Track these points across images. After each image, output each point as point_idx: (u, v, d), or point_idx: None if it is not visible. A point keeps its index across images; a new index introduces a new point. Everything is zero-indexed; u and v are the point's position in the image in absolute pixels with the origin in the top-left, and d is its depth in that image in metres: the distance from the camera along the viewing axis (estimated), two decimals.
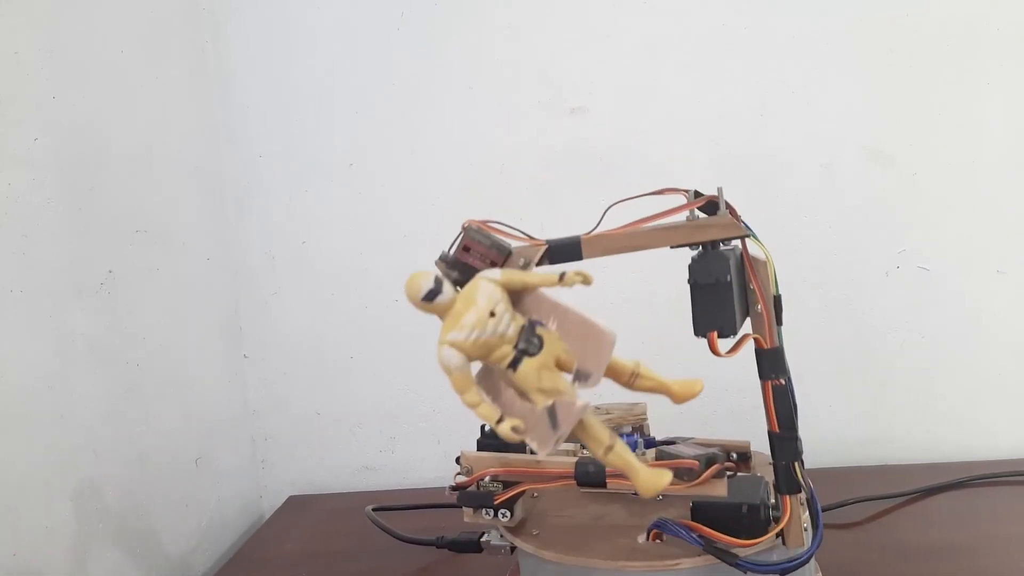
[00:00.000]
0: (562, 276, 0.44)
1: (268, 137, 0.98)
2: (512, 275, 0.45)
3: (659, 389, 0.46)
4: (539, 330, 0.44)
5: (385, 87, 0.96)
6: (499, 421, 0.43)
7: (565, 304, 0.44)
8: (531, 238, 0.52)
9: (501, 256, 0.50)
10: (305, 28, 0.97)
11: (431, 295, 0.43)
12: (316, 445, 1.02)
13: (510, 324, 0.43)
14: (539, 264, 0.51)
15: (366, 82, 0.96)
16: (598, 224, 0.51)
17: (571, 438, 0.45)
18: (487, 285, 0.44)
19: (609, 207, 0.51)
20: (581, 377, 0.43)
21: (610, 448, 0.44)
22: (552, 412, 0.42)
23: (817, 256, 0.94)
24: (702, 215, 0.50)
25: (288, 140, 0.98)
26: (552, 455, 0.52)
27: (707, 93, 0.94)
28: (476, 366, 0.45)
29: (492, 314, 0.43)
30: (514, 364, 0.43)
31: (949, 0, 0.90)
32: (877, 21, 0.91)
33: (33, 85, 0.66)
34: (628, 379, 0.46)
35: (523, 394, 0.43)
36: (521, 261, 0.50)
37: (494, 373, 0.44)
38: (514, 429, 0.43)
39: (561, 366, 0.44)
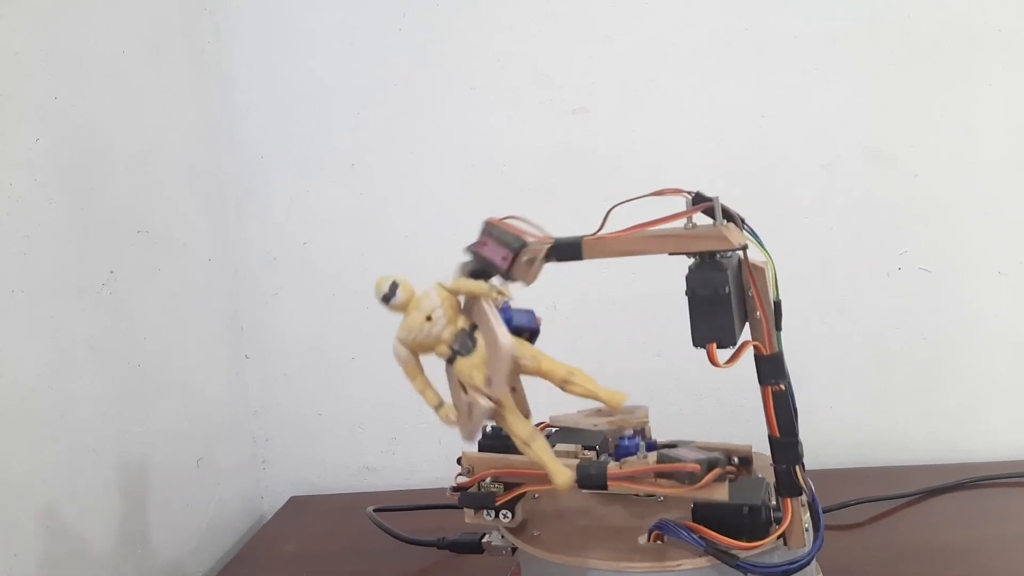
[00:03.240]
0: (491, 289, 0.50)
1: (269, 137, 0.98)
2: (458, 283, 0.51)
3: (589, 396, 0.50)
4: (477, 334, 0.50)
5: (386, 87, 0.96)
6: (438, 407, 0.51)
7: (488, 313, 0.49)
8: (546, 235, 0.53)
9: (511, 252, 0.52)
10: (306, 28, 0.97)
11: (386, 299, 0.49)
12: (317, 445, 1.02)
13: (445, 328, 0.49)
14: (546, 260, 0.52)
15: (367, 82, 0.96)
16: (602, 226, 0.51)
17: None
18: (432, 292, 0.50)
19: (612, 208, 0.52)
20: (488, 382, 0.49)
21: (526, 444, 0.49)
22: (470, 407, 0.49)
23: (818, 257, 0.94)
24: (706, 219, 0.49)
25: (289, 140, 0.98)
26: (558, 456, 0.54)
27: (708, 93, 0.94)
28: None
29: (428, 318, 0.49)
30: (451, 361, 0.50)
31: (949, 1, 0.90)
32: (877, 21, 0.91)
33: (34, 85, 0.66)
34: (560, 384, 0.50)
35: (462, 386, 0.50)
36: (526, 257, 0.52)
37: (435, 354, 0.51)
38: (447, 415, 0.50)
39: None
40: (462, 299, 0.51)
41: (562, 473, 0.49)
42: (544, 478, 0.54)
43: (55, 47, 0.69)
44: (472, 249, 0.54)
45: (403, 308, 0.50)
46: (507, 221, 0.54)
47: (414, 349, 0.50)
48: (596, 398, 0.49)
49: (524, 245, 0.52)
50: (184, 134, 0.91)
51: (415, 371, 0.51)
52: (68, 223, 0.68)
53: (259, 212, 0.99)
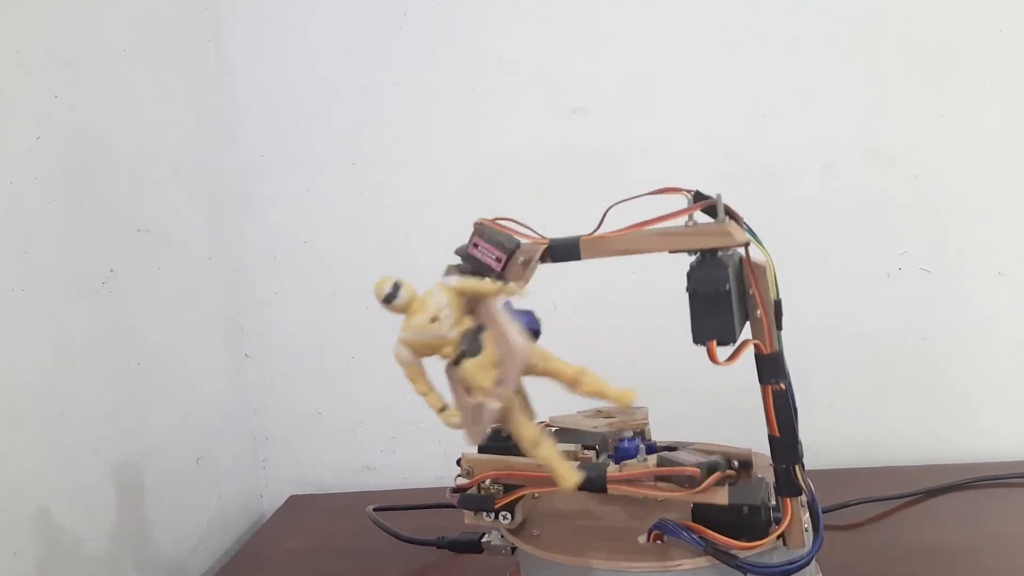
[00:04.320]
0: (501, 288, 0.49)
1: (269, 137, 0.98)
2: (464, 283, 0.49)
3: (598, 395, 0.49)
4: (483, 335, 0.48)
5: (386, 87, 0.96)
6: (441, 410, 0.49)
7: (497, 313, 0.48)
8: (538, 236, 0.53)
9: (504, 253, 0.52)
10: (307, 28, 0.97)
11: (387, 299, 0.48)
12: (317, 445, 1.02)
13: (452, 328, 0.48)
14: (542, 260, 0.52)
15: (368, 82, 0.96)
16: (599, 225, 0.51)
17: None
18: (438, 292, 0.49)
19: (610, 207, 0.51)
20: (499, 382, 0.47)
21: (534, 445, 0.48)
22: (478, 409, 0.47)
23: (818, 257, 0.94)
24: (706, 218, 0.49)
25: (289, 140, 0.98)
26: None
27: (708, 93, 0.94)
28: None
29: (434, 319, 0.48)
30: (457, 362, 0.48)
31: (950, 1, 0.90)
32: (878, 22, 0.91)
33: (34, 85, 0.66)
34: (569, 383, 0.49)
35: (467, 389, 0.48)
36: (522, 258, 0.52)
37: (441, 356, 0.50)
38: (451, 418, 0.49)
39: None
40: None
41: (571, 476, 0.48)
42: (544, 480, 0.54)
43: (55, 47, 0.69)
44: (463, 251, 0.53)
45: (405, 309, 0.49)
46: (498, 222, 0.53)
47: (418, 351, 0.49)
48: (605, 397, 0.48)
49: (519, 245, 0.52)
50: (184, 133, 0.90)
51: (418, 374, 0.50)
52: (68, 222, 0.68)
53: (259, 211, 0.99)
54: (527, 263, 0.51)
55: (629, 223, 0.51)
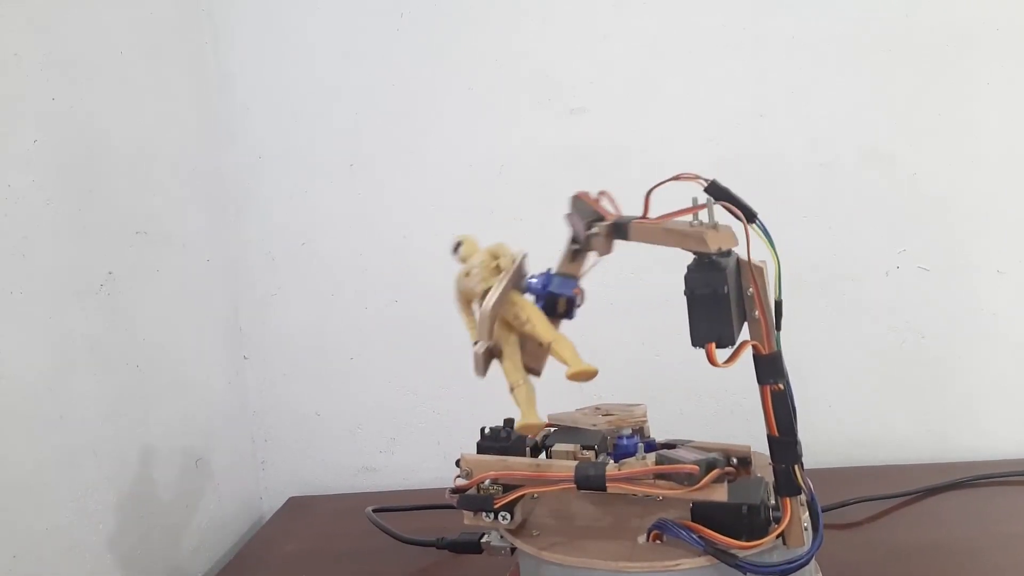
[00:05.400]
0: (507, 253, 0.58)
1: (268, 137, 0.98)
2: (494, 246, 0.58)
3: (562, 362, 0.56)
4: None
5: (385, 87, 0.96)
6: (475, 343, 0.57)
7: (501, 276, 0.57)
8: (618, 214, 0.57)
9: (585, 225, 0.58)
10: (305, 28, 0.97)
11: (454, 249, 0.58)
12: (316, 446, 1.02)
13: (479, 284, 0.57)
14: (608, 236, 0.57)
15: (366, 82, 0.96)
16: (645, 211, 0.55)
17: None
18: (480, 251, 0.58)
19: (650, 191, 0.54)
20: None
21: (514, 386, 0.57)
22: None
23: (817, 256, 0.94)
24: (723, 212, 0.50)
25: (288, 141, 0.98)
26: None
27: (707, 93, 0.94)
28: None
29: (467, 274, 0.58)
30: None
31: (949, 1, 0.90)
32: (877, 21, 0.91)
33: (33, 85, 0.66)
34: (545, 347, 0.56)
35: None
36: (595, 231, 0.57)
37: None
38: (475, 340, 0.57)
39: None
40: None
41: (533, 422, 0.56)
42: (544, 480, 0.54)
43: (55, 47, 0.69)
44: (566, 217, 0.59)
45: (463, 261, 0.58)
46: (589, 195, 0.59)
47: (460, 296, 0.59)
48: (566, 364, 0.55)
49: (597, 219, 0.57)
50: (183, 134, 0.90)
51: (461, 310, 0.59)
52: (67, 224, 0.68)
53: (258, 212, 0.99)
54: (597, 236, 0.57)
55: (637, 213, 0.52)
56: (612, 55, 0.94)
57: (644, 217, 0.55)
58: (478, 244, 0.58)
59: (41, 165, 0.66)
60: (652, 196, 0.54)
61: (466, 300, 0.59)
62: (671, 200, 0.52)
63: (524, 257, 0.58)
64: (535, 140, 0.96)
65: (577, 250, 0.59)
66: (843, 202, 0.93)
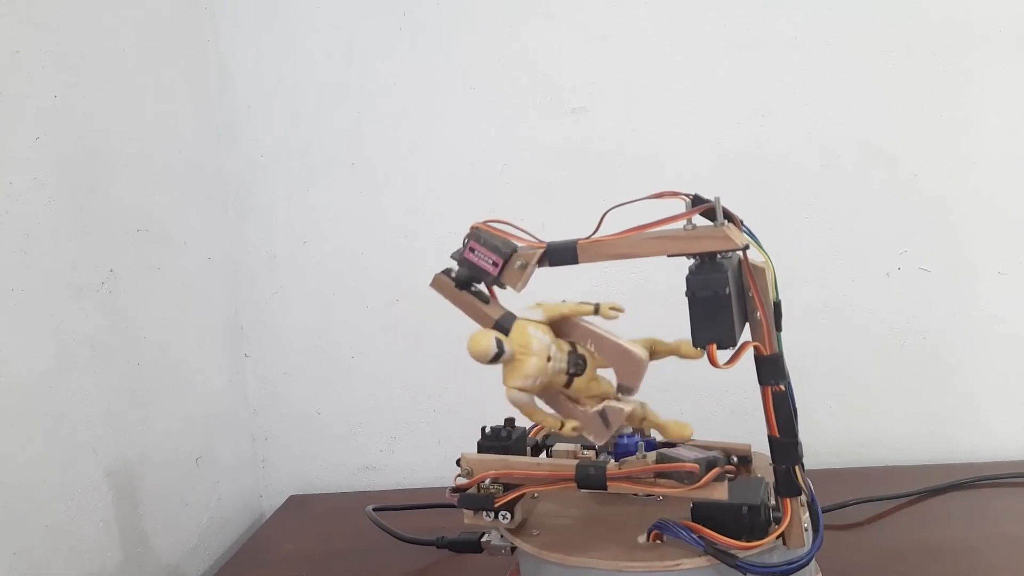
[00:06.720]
0: (597, 308, 0.52)
1: (269, 136, 0.98)
2: (552, 311, 0.52)
3: (657, 428, 0.55)
4: (580, 349, 0.52)
5: (386, 87, 0.96)
6: (563, 427, 0.53)
7: (599, 331, 0.52)
8: (534, 239, 0.53)
9: (501, 258, 0.53)
10: (306, 28, 0.97)
11: (496, 358, 0.50)
12: (316, 445, 1.02)
13: (562, 359, 0.51)
14: (539, 264, 0.52)
15: (367, 82, 0.96)
16: (596, 229, 0.51)
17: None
18: (536, 333, 0.51)
19: (607, 211, 0.52)
20: (623, 391, 0.51)
21: (665, 426, 0.54)
22: (603, 414, 0.51)
23: (817, 257, 0.94)
24: (704, 221, 0.49)
25: (289, 140, 0.98)
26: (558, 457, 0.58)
27: (707, 93, 0.94)
28: None
29: (549, 358, 0.50)
30: (568, 383, 0.52)
31: (950, 1, 0.90)
32: (878, 21, 0.91)
33: (33, 85, 0.66)
34: (637, 423, 0.54)
35: (575, 400, 0.53)
36: (519, 263, 0.52)
37: (553, 387, 0.53)
38: (574, 429, 0.53)
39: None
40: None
41: (685, 427, 0.54)
42: (544, 479, 0.54)
43: (55, 46, 0.69)
44: (460, 256, 0.54)
45: (509, 359, 0.50)
46: (493, 225, 0.54)
47: (536, 392, 0.52)
48: (664, 433, 0.55)
49: (515, 250, 0.53)
50: (184, 133, 0.90)
51: (534, 408, 0.52)
52: (68, 222, 0.68)
53: (259, 211, 0.99)
54: (524, 267, 0.52)
55: (627, 226, 0.51)
56: (613, 55, 0.94)
57: (593, 235, 0.52)
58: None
59: (42, 163, 0.66)
60: (608, 213, 0.52)
61: (544, 388, 0.52)
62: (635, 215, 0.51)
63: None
64: (536, 139, 0.95)
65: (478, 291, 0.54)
66: (844, 202, 0.93)
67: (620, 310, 0.53)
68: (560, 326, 0.52)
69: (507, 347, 0.50)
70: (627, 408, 0.51)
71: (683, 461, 0.50)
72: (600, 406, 0.51)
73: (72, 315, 0.68)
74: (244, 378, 1.01)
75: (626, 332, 0.94)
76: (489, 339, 0.49)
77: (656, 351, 0.53)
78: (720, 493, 0.49)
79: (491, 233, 0.53)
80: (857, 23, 0.91)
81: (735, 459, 0.60)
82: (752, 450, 0.60)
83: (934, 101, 0.91)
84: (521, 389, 0.51)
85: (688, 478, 0.50)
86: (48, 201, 0.66)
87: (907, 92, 0.91)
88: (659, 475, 0.51)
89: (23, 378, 0.62)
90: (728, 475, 0.51)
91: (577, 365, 0.51)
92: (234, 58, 0.97)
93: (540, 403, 0.53)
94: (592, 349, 0.52)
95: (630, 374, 0.50)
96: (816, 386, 0.94)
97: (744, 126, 0.93)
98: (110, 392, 0.72)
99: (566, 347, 0.52)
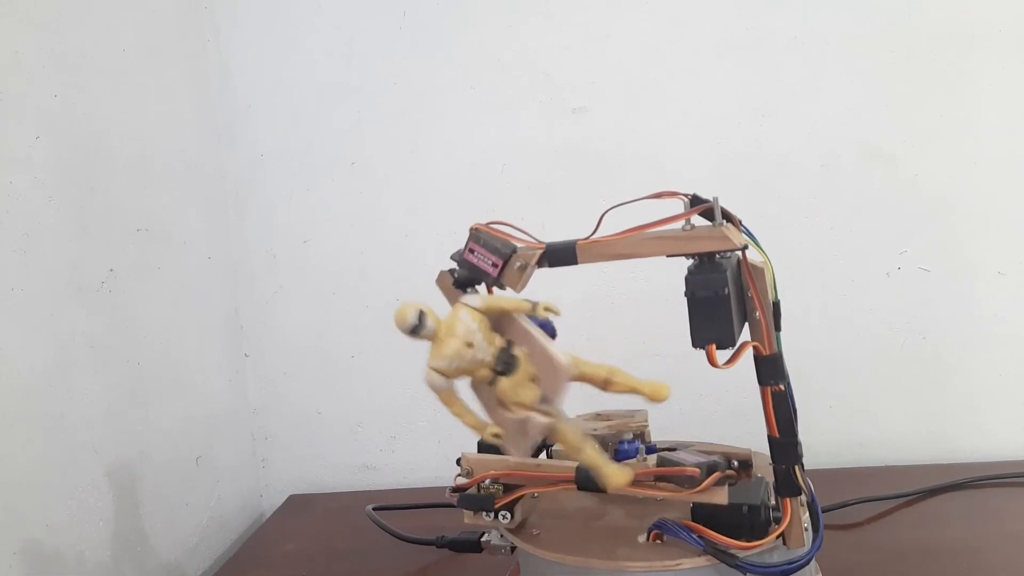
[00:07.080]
0: (534, 306, 0.49)
1: (269, 136, 0.98)
2: (491, 301, 0.49)
3: (631, 392, 0.49)
4: (515, 350, 0.48)
5: (386, 87, 0.96)
6: (482, 429, 0.49)
7: (534, 333, 0.48)
8: (534, 240, 0.53)
9: (501, 259, 0.52)
10: (306, 28, 0.97)
11: (414, 330, 0.47)
12: (316, 444, 1.02)
13: (487, 350, 0.48)
14: (539, 265, 0.52)
15: (367, 81, 0.96)
16: (596, 229, 0.51)
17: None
18: (466, 315, 0.48)
19: (605, 212, 0.51)
20: (544, 400, 0.48)
21: (579, 449, 0.49)
22: (524, 424, 0.48)
23: (817, 257, 0.94)
24: (703, 221, 0.49)
25: (289, 139, 0.98)
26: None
27: (707, 93, 0.94)
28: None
29: (469, 344, 0.47)
30: (491, 382, 0.48)
31: (950, 1, 0.90)
32: (877, 21, 0.91)
33: (33, 85, 0.66)
34: (602, 385, 0.49)
35: (503, 404, 0.49)
36: (519, 263, 0.52)
37: (477, 380, 0.49)
38: (494, 436, 0.49)
39: (535, 381, 0.48)
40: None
41: (618, 475, 0.49)
42: (545, 480, 0.54)
43: (55, 46, 0.69)
44: (459, 257, 0.53)
45: (431, 336, 0.48)
46: (493, 227, 0.53)
47: (453, 376, 0.49)
48: (638, 392, 0.48)
49: (515, 251, 0.52)
50: (184, 133, 0.90)
51: (452, 397, 0.49)
52: (68, 221, 0.68)
53: (259, 211, 0.99)
54: (524, 268, 0.52)
55: (626, 226, 0.51)
56: (613, 55, 0.94)
57: (592, 236, 0.51)
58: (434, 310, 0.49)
59: (42, 163, 0.66)
60: (607, 212, 0.51)
61: (462, 376, 0.49)
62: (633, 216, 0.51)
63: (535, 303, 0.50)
64: (536, 139, 0.95)
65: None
66: (844, 202, 0.93)
67: (556, 312, 0.50)
68: (500, 321, 0.49)
69: (428, 321, 0.47)
70: (543, 420, 0.48)
71: (684, 465, 0.50)
72: (523, 414, 0.48)
73: (72, 315, 0.68)
74: (244, 378, 1.01)
75: (626, 332, 0.95)
76: (413, 310, 0.47)
77: (611, 383, 0.49)
78: (720, 497, 0.49)
79: (491, 234, 0.53)
80: (857, 23, 0.91)
81: (735, 463, 0.60)
82: (752, 451, 0.60)
83: (934, 101, 0.91)
84: (438, 371, 0.48)
85: (688, 482, 0.50)
86: (48, 201, 0.66)
87: (907, 92, 0.91)
88: (659, 478, 0.51)
89: (23, 378, 0.62)
90: (728, 480, 0.51)
91: (506, 364, 0.48)
92: (234, 58, 0.97)
93: (478, 405, 0.50)
94: (526, 352, 0.49)
95: (550, 382, 0.48)
96: (816, 386, 0.94)
97: (744, 126, 0.93)
98: (110, 392, 0.72)
99: (499, 342, 0.49)
